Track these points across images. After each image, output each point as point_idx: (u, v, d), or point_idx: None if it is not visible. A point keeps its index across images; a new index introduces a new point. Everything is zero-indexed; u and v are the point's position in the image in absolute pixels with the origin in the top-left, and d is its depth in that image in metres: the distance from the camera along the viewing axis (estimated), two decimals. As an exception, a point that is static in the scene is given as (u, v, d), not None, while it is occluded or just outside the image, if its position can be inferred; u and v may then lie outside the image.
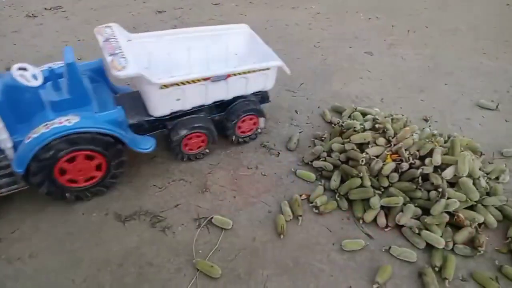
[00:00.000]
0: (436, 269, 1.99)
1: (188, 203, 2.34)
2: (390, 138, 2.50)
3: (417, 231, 2.15)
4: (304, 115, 3.19)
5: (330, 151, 2.63)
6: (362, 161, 2.38)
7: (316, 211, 2.31)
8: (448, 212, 2.17)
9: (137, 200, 2.34)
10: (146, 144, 2.31)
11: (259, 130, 2.81)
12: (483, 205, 2.26)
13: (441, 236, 2.11)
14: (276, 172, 2.60)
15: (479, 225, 2.20)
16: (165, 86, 2.20)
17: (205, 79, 2.30)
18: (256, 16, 4.97)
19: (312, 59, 4.03)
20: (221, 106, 2.61)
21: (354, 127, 2.62)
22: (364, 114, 2.96)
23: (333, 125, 2.95)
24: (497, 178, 2.53)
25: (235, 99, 2.60)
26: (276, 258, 2.05)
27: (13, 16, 4.72)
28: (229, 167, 2.62)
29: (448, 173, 2.25)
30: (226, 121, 2.64)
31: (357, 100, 3.40)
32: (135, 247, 2.07)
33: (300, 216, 2.25)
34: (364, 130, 2.63)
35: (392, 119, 2.75)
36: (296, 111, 3.23)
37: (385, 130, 2.56)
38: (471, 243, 2.13)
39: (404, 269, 2.03)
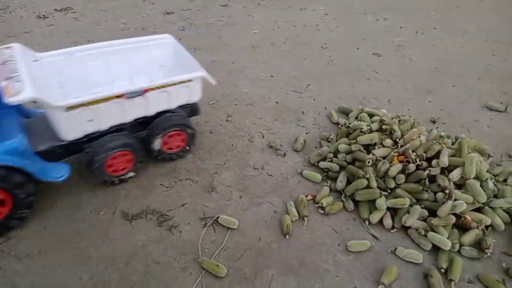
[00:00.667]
0: (442, 270, 1.98)
1: (195, 202, 2.36)
2: (397, 139, 2.49)
3: (423, 232, 2.14)
4: (311, 116, 3.20)
5: (336, 152, 2.63)
6: (369, 162, 2.37)
7: (322, 211, 2.31)
8: (455, 214, 2.15)
9: (144, 199, 2.36)
10: (58, 172, 2.14)
11: (187, 148, 2.66)
12: (490, 207, 2.24)
13: (447, 238, 2.10)
14: (282, 173, 2.61)
15: (486, 227, 2.19)
16: (72, 107, 2.01)
17: (118, 97, 2.13)
18: (264, 17, 5.00)
19: (319, 60, 4.03)
20: (145, 122, 2.42)
21: (361, 128, 2.62)
22: (371, 115, 2.96)
23: (339, 126, 2.95)
24: (505, 180, 2.50)
25: (160, 114, 2.43)
26: (282, 258, 2.06)
27: (24, 17, 4.80)
28: (236, 167, 2.64)
29: (455, 174, 2.24)
30: (150, 138, 2.45)
31: (364, 101, 3.39)
32: (142, 246, 2.09)
33: (306, 216, 2.26)
34: (371, 131, 2.62)
35: (399, 121, 2.74)
36: (302, 112, 3.23)
37: (392, 131, 2.55)
38: (478, 245, 2.12)
39: (409, 271, 2.02)
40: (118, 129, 2.32)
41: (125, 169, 2.40)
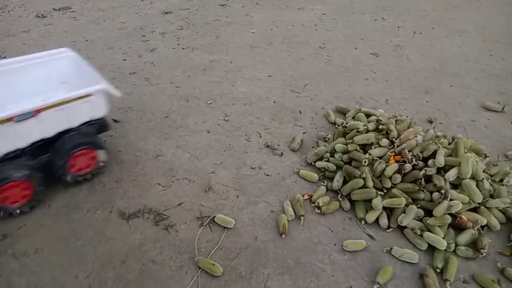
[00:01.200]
0: (438, 270, 1.98)
1: (191, 202, 2.36)
2: (394, 139, 2.50)
3: (419, 232, 2.15)
4: (308, 115, 3.20)
5: (333, 152, 2.63)
6: (365, 162, 2.38)
7: (318, 211, 2.31)
8: (450, 214, 2.16)
9: (141, 198, 2.37)
10: None
11: (101, 164, 2.45)
12: (486, 207, 2.24)
13: (443, 238, 2.10)
14: (279, 172, 2.61)
15: (482, 227, 2.19)
16: None
17: (6, 121, 1.91)
18: (262, 17, 4.99)
19: (317, 60, 4.03)
20: (47, 145, 2.22)
21: (358, 128, 2.62)
22: (368, 115, 2.96)
23: (336, 125, 2.96)
24: (501, 180, 2.50)
25: (62, 134, 2.21)
26: (278, 257, 2.07)
27: (23, 16, 4.80)
28: (233, 167, 2.64)
29: (451, 174, 2.24)
30: (54, 161, 2.23)
31: (361, 101, 3.40)
32: (138, 245, 2.09)
33: (302, 216, 2.26)
34: (367, 131, 2.63)
35: (396, 120, 2.75)
36: (300, 112, 3.24)
37: (389, 131, 2.56)
38: (474, 245, 2.12)
39: (405, 270, 2.03)
40: (17, 155, 2.11)
41: (25, 197, 2.17)
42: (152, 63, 3.81)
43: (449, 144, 2.57)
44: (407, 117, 2.89)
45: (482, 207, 2.24)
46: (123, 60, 3.83)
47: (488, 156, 2.62)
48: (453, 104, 3.42)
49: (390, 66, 3.99)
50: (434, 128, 2.98)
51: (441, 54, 4.28)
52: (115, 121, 2.98)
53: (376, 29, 4.82)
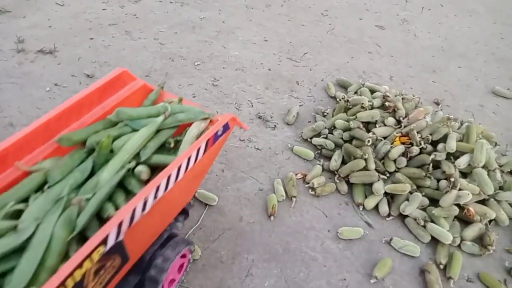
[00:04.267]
0: (441, 266, 1.78)
1: (170, 173, 2.08)
2: (401, 118, 2.24)
3: (422, 223, 1.94)
4: (306, 87, 2.91)
5: (332, 128, 2.37)
6: (368, 141, 2.12)
7: (312, 193, 2.07)
8: (457, 205, 1.95)
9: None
10: None
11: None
12: (496, 200, 2.04)
13: (448, 231, 1.89)
14: (270, 147, 2.34)
15: (489, 221, 2.00)
16: None
17: None
18: (261, -23, 4.57)
19: (318, 28, 3.70)
20: None
21: (362, 103, 2.35)
22: (372, 91, 2.68)
23: (338, 99, 2.68)
24: (510, 172, 2.31)
25: None
26: (264, 241, 1.83)
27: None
28: (219, 137, 2.35)
29: (462, 161, 2.02)
30: None
31: (364, 75, 3.12)
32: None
33: (294, 197, 2.01)
34: (372, 107, 2.36)
35: (402, 99, 2.49)
36: (297, 82, 2.94)
37: (396, 109, 2.30)
38: (480, 240, 1.93)
39: (404, 264, 1.82)
40: None
41: None
42: (135, 15, 3.40)
43: (458, 128, 2.34)
44: (414, 96, 2.63)
45: (492, 199, 2.04)
46: (103, 9, 3.40)
47: (498, 145, 2.41)
48: (460, 86, 3.18)
49: (396, 40, 3.69)
50: (441, 110, 2.74)
51: (450, 33, 4.00)
52: (88, 76, 2.62)
53: (383, 1, 4.47)
